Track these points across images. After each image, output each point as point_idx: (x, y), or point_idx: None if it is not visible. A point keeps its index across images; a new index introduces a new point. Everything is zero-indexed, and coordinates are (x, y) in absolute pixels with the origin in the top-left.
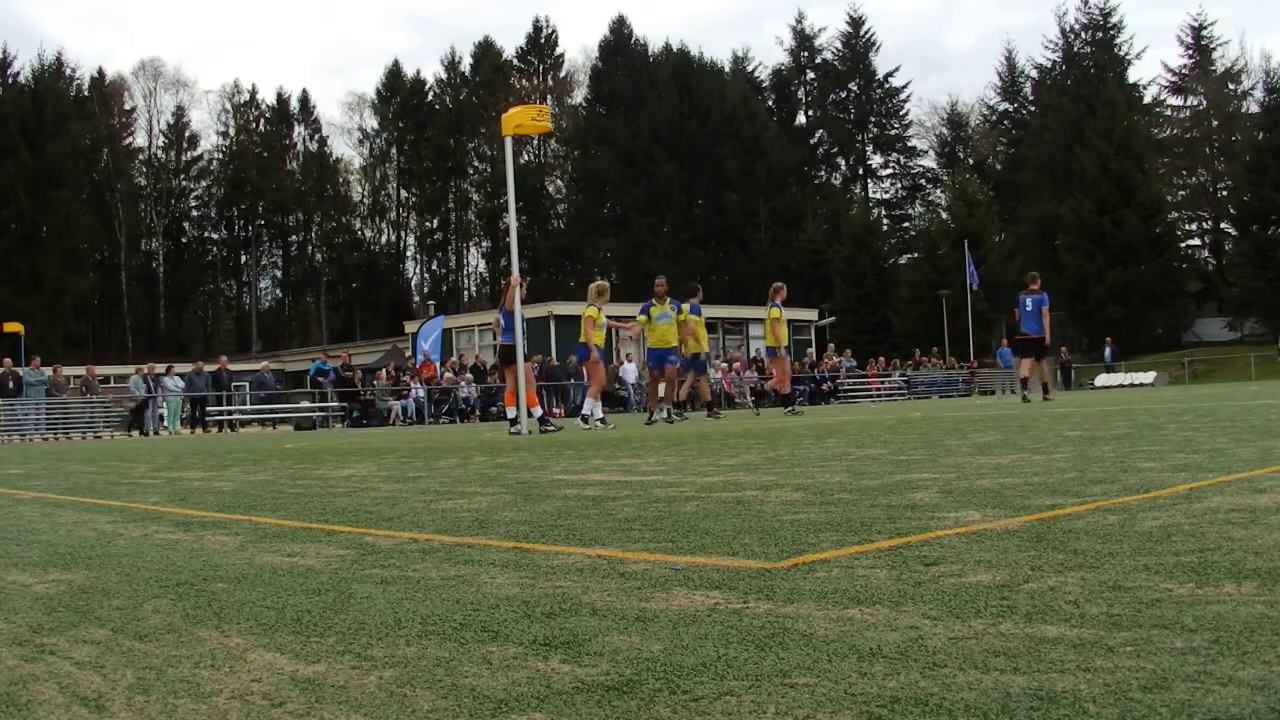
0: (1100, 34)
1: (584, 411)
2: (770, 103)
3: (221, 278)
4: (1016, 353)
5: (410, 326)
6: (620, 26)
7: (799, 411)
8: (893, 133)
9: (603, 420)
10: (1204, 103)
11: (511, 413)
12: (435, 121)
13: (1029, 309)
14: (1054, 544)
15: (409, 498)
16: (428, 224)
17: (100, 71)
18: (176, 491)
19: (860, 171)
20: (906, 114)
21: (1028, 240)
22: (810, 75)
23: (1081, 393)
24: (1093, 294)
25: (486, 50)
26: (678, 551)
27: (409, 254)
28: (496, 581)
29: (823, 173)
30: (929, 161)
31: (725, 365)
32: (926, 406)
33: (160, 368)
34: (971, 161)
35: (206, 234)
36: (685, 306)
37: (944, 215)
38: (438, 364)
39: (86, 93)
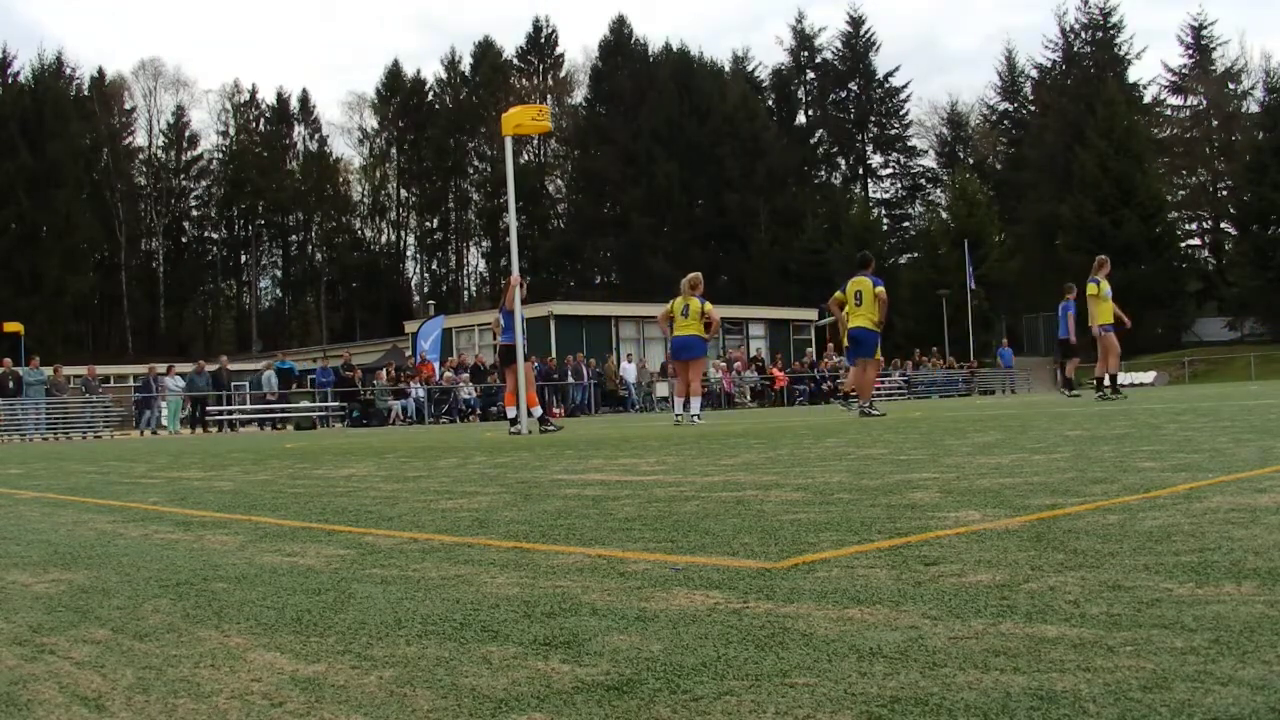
0: (1100, 34)
1: (694, 410)
2: (770, 103)
3: (221, 277)
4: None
5: (410, 326)
6: (620, 26)
7: (1121, 394)
8: (893, 132)
9: (698, 416)
10: (1204, 103)
11: (511, 412)
12: (435, 121)
13: (1060, 315)
14: (1054, 544)
15: (409, 498)
16: (428, 224)
17: (100, 71)
18: (176, 491)
19: (860, 171)
20: (906, 114)
21: (1028, 240)
22: (810, 75)
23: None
24: None
25: (486, 50)
26: (678, 551)
27: (409, 254)
28: (496, 581)
29: (823, 172)
30: (929, 161)
31: (724, 364)
32: (926, 406)
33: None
34: (971, 161)
35: (206, 234)
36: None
37: (944, 215)
38: (437, 364)
39: (86, 92)
